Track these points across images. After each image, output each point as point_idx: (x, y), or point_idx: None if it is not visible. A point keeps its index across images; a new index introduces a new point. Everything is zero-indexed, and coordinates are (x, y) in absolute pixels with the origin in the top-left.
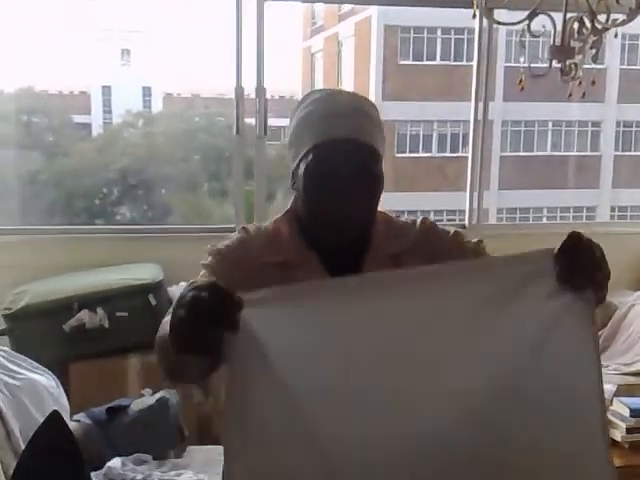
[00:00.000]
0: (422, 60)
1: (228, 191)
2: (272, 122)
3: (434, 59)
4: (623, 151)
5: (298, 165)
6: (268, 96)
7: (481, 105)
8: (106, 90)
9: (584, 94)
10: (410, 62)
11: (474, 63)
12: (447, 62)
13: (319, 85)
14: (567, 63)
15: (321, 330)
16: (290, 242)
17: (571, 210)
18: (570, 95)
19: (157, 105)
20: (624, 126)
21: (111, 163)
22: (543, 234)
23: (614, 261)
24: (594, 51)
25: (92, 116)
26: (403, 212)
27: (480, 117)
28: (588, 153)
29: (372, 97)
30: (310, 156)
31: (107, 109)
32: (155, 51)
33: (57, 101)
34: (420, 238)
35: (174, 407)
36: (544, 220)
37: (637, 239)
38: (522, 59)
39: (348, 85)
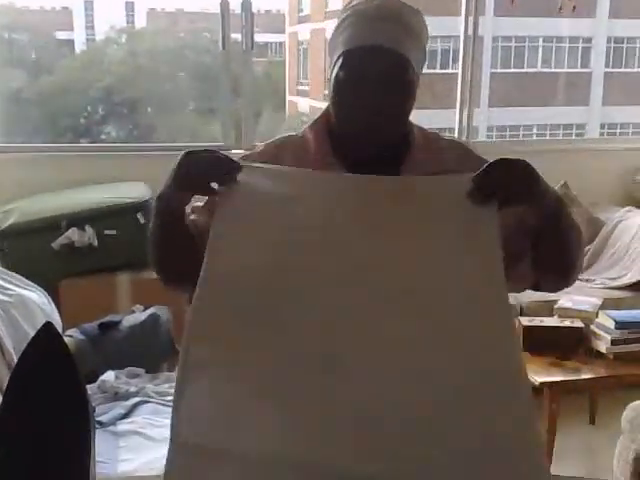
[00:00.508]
0: None
1: (215, 109)
2: (258, 38)
3: None
4: (613, 68)
5: (332, 73)
6: (254, 10)
7: (471, 20)
8: (88, 5)
9: (574, 8)
10: None
11: None
12: None
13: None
14: None
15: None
16: (316, 156)
17: (561, 128)
18: (560, 9)
19: (141, 21)
20: (615, 42)
21: (95, 81)
22: (532, 151)
23: (603, 178)
24: None
25: (75, 32)
26: None
27: (470, 32)
28: (578, 70)
29: None
30: (339, 62)
31: (90, 25)
32: None
33: (39, 17)
34: (462, 162)
35: (165, 323)
36: (534, 138)
37: (625, 156)
38: None
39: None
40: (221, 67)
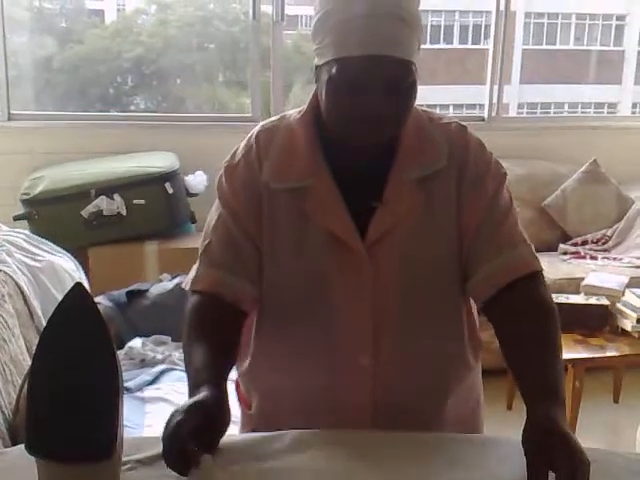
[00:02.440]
0: None
1: (245, 81)
2: (289, 10)
3: None
4: None
5: (321, 67)
6: None
7: None
8: None
9: None
10: None
11: None
12: None
13: None
14: None
15: None
16: (304, 156)
17: (592, 106)
18: None
19: None
20: None
21: (125, 51)
22: (561, 127)
23: (633, 156)
24: None
25: (105, 2)
26: (421, 107)
27: (502, 8)
28: (611, 48)
29: None
30: (334, 69)
31: None
32: None
33: None
34: (450, 158)
35: None
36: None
37: None
38: None
39: None
40: (251, 37)
